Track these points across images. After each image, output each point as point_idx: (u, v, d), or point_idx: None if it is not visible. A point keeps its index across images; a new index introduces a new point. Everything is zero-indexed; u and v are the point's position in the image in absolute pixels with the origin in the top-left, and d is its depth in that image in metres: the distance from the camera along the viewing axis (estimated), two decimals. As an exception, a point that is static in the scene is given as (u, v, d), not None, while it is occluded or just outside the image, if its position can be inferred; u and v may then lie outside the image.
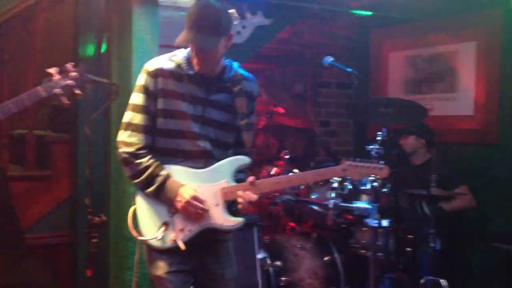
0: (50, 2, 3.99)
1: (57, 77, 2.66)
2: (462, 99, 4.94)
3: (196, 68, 2.51)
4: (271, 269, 3.80)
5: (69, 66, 2.70)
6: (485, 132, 4.75)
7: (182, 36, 2.43)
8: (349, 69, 3.44)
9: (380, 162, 2.64)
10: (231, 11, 4.31)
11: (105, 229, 3.53)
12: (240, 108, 2.58)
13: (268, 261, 3.82)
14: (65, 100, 2.67)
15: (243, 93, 2.60)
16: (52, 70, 2.66)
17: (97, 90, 3.55)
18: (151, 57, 2.63)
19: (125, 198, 3.44)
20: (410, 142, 4.54)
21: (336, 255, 3.99)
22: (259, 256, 3.79)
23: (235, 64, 2.65)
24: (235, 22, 4.19)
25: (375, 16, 5.40)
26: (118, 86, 3.08)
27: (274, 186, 2.60)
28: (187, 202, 2.47)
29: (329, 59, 3.51)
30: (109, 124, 3.76)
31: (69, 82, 2.67)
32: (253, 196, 2.49)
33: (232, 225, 2.55)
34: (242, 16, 4.33)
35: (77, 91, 2.69)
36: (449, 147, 4.74)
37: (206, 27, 2.41)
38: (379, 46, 5.64)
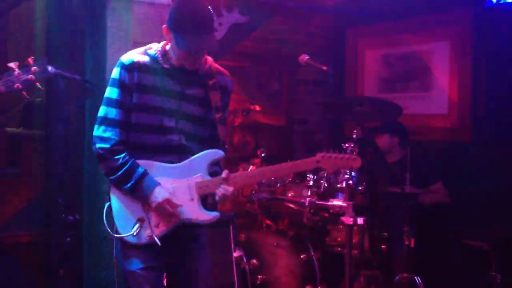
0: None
1: (17, 71, 2.60)
2: (436, 97, 5.00)
3: (189, 66, 2.47)
4: (247, 268, 3.80)
5: (30, 60, 2.64)
6: (459, 130, 4.82)
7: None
8: (323, 67, 3.45)
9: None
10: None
11: (78, 228, 3.49)
12: (214, 102, 2.56)
13: (244, 260, 3.82)
14: (25, 95, 2.61)
15: (217, 87, 2.57)
16: (12, 65, 2.60)
17: (71, 87, 3.49)
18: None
19: (98, 196, 3.40)
20: (385, 140, 4.57)
21: (312, 253, 4.00)
22: (235, 254, 3.77)
23: (209, 58, 2.61)
24: (211, 19, 4.17)
25: (350, 14, 5.43)
26: (92, 84, 3.04)
27: (248, 179, 2.61)
28: (159, 204, 2.45)
29: (305, 57, 3.52)
30: (82, 121, 3.71)
31: (29, 76, 2.61)
32: (229, 189, 2.48)
33: (208, 219, 2.53)
34: (218, 13, 4.31)
35: (38, 86, 2.63)
36: (423, 145, 4.78)
37: (204, 28, 2.37)
38: (355, 44, 5.67)
